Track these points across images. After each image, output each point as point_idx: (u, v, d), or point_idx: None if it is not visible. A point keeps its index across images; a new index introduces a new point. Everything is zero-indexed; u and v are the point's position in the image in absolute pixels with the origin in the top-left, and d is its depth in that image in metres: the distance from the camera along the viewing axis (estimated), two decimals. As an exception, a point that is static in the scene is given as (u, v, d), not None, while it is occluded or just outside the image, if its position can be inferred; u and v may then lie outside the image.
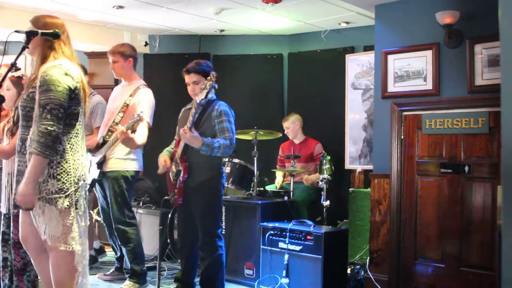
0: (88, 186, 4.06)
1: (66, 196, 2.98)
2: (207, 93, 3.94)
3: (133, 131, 4.13)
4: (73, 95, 3.03)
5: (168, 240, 5.64)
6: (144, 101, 4.62)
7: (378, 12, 5.09)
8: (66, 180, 2.98)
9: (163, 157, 4.26)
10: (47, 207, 2.95)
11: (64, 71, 3.00)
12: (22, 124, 3.09)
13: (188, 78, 4.21)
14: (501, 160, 2.76)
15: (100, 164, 4.69)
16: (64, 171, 2.98)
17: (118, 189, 4.63)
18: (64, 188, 2.97)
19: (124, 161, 4.66)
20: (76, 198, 3.01)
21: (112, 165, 4.66)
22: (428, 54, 4.69)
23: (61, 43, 3.12)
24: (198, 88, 4.08)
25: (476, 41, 4.42)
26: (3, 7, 5.90)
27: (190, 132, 3.92)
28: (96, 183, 4.84)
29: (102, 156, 4.65)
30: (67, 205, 2.98)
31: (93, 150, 4.69)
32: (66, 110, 2.98)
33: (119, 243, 4.72)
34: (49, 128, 2.90)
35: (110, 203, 4.67)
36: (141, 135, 4.40)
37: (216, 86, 3.96)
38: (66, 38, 3.17)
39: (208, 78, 3.95)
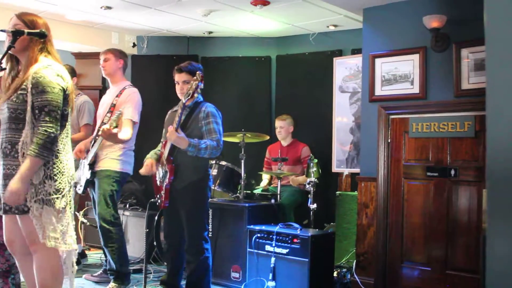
0: (77, 186, 4.05)
1: (62, 196, 2.98)
2: (193, 93, 3.92)
3: (116, 126, 4.12)
4: (65, 95, 3.05)
5: (155, 243, 5.61)
6: (129, 99, 4.67)
7: (366, 15, 5.11)
8: (61, 180, 2.99)
9: (150, 160, 4.25)
10: (45, 209, 2.95)
11: (55, 72, 3.01)
12: (11, 127, 3.02)
13: (179, 77, 4.20)
14: (486, 164, 2.78)
15: (92, 164, 4.68)
16: (59, 172, 2.99)
17: (108, 188, 4.61)
18: (60, 188, 2.98)
19: (117, 162, 4.66)
20: (70, 198, 3.03)
21: (105, 164, 4.66)
22: (415, 58, 4.72)
23: (51, 45, 3.12)
24: (187, 88, 4.08)
25: (462, 45, 4.45)
26: (-10, 6, 5.87)
27: (176, 132, 3.91)
28: (89, 184, 4.82)
29: (93, 156, 4.65)
30: (64, 205, 2.98)
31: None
32: (61, 111, 3.00)
33: (102, 243, 4.69)
34: (48, 130, 2.90)
35: (97, 200, 4.65)
36: (124, 132, 4.47)
37: (202, 86, 3.94)
38: (49, 40, 3.15)
39: (194, 78, 3.93)
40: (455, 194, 4.48)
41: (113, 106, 4.68)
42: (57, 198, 2.97)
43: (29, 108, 2.94)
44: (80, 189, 4.75)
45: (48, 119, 2.92)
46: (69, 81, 3.09)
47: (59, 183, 2.98)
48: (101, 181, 4.64)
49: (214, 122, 4.12)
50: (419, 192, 4.67)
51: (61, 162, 3.01)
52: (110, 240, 4.63)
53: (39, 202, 2.94)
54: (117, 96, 4.73)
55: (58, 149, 3.01)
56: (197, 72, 3.94)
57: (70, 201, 3.05)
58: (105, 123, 4.56)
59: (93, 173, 4.69)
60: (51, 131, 2.91)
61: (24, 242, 3.10)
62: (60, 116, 2.99)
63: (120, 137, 4.38)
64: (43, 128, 2.90)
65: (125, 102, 4.63)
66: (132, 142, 4.74)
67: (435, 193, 4.57)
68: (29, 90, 2.94)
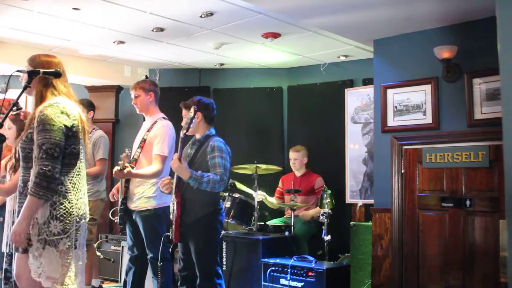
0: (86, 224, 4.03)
1: (67, 237, 2.95)
2: (188, 126, 4.01)
3: (123, 168, 4.40)
4: (71, 133, 3.01)
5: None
6: (158, 133, 4.65)
7: (377, 46, 5.13)
8: (68, 220, 2.96)
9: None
10: (46, 249, 2.91)
11: (60, 109, 2.98)
12: (23, 166, 3.06)
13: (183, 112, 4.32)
14: (504, 193, 2.74)
15: (124, 199, 4.70)
16: (66, 212, 2.96)
17: (149, 228, 4.61)
18: (66, 229, 2.95)
19: (152, 199, 4.62)
20: (76, 238, 2.99)
21: (141, 204, 4.64)
22: (427, 88, 4.72)
23: (58, 81, 3.12)
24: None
25: (474, 75, 4.45)
26: (5, 43, 5.95)
27: (179, 162, 3.94)
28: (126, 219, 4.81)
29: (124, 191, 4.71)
30: (68, 246, 2.95)
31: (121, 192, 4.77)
32: (62, 149, 2.95)
33: (152, 274, 4.67)
34: (44, 168, 2.87)
35: (145, 242, 4.64)
36: (151, 167, 4.56)
37: (194, 119, 4.03)
38: (63, 75, 3.17)
39: (190, 111, 4.02)
40: (470, 225, 4.43)
41: (143, 141, 4.68)
42: (61, 239, 2.93)
43: (34, 147, 2.95)
44: (117, 220, 4.80)
45: (44, 157, 2.88)
46: (77, 118, 3.06)
47: (65, 223, 2.94)
48: (143, 221, 4.62)
49: (219, 157, 4.11)
50: (434, 223, 4.62)
51: (69, 202, 2.98)
52: (158, 274, 4.61)
53: (41, 242, 2.91)
54: (148, 130, 4.72)
55: (66, 189, 2.98)
56: (192, 107, 4.00)
57: (76, 240, 2.99)
58: (135, 159, 4.64)
59: (129, 210, 4.69)
60: (47, 169, 2.86)
61: (30, 278, 3.09)
62: (59, 154, 2.93)
63: (142, 172, 4.51)
64: (40, 166, 2.87)
65: (155, 137, 4.63)
66: (166, 175, 4.70)
67: (451, 224, 4.52)
68: (34, 128, 2.96)
